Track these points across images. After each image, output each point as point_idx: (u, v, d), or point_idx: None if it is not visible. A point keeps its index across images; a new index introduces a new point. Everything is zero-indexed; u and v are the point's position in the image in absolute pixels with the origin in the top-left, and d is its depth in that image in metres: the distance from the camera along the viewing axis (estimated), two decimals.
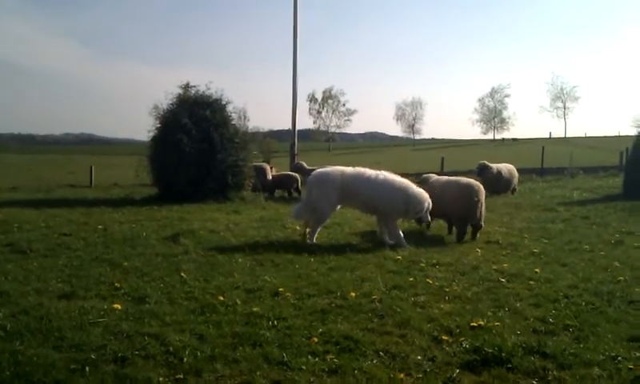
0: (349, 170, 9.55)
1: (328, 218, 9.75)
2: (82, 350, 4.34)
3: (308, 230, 9.52)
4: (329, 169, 9.86)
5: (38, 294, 5.94)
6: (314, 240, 9.28)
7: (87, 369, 3.99)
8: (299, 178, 19.72)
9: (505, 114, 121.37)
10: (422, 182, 10.69)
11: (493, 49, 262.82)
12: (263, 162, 24.84)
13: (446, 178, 11.17)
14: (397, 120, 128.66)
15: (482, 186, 9.93)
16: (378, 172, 9.46)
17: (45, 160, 60.37)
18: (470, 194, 9.56)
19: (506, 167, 18.53)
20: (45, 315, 5.13)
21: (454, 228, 9.95)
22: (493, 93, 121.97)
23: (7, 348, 4.37)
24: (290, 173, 20.87)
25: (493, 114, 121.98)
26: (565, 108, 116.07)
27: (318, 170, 10.24)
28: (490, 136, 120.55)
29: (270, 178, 20.28)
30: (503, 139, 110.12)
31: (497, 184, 17.62)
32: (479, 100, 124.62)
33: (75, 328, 4.82)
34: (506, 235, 9.82)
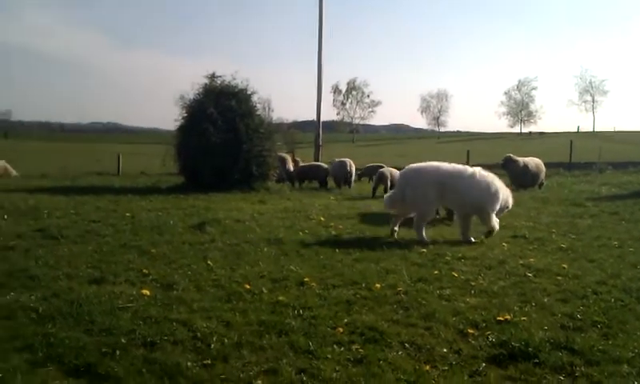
0: (445, 165, 9.24)
1: (430, 216, 9.34)
2: (112, 334, 4.44)
3: (396, 225, 9.25)
4: (422, 165, 9.42)
5: (68, 278, 6.07)
6: (424, 236, 8.78)
7: (117, 352, 4.08)
8: (329, 170, 19.82)
9: (532, 107, 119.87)
10: None
11: (520, 41, 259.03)
12: (287, 152, 25.00)
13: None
14: (422, 112, 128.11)
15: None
16: (472, 168, 9.24)
17: (72, 148, 61.42)
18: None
19: (533, 161, 18.29)
20: (75, 299, 5.24)
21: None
22: (520, 85, 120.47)
23: (40, 330, 4.48)
24: (319, 164, 20.96)
25: (520, 107, 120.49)
26: (593, 102, 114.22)
27: (411, 165, 9.63)
28: (516, 129, 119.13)
29: (291, 168, 20.43)
30: (530, 133, 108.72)
31: (523, 178, 17.41)
32: (506, 93, 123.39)
33: (105, 312, 4.92)
34: (532, 230, 9.71)
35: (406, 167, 9.69)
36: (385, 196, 9.63)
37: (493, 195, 8.96)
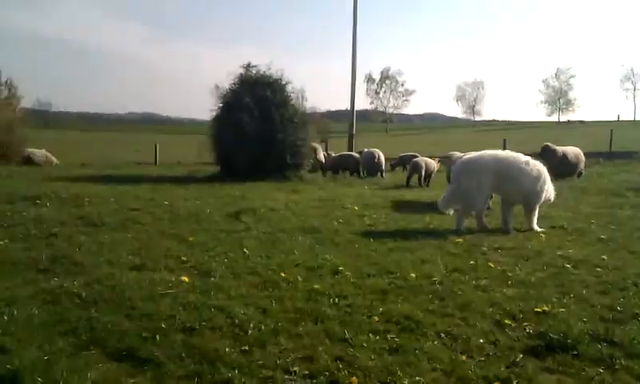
0: (502, 154, 9.14)
1: (483, 208, 9.21)
2: (153, 319, 4.55)
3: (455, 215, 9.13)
4: (479, 154, 9.27)
5: (110, 265, 6.24)
6: (463, 226, 8.79)
7: (158, 337, 4.18)
8: (359, 160, 19.86)
9: (570, 95, 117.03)
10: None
11: (558, 27, 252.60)
12: (320, 142, 25.07)
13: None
14: (457, 101, 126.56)
15: None
16: (528, 157, 9.08)
17: (111, 138, 62.72)
18: None
19: (572, 150, 17.89)
20: (117, 285, 5.39)
21: None
22: (558, 73, 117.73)
23: (83, 315, 4.63)
24: (349, 153, 21.03)
25: (558, 95, 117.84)
26: (635, 90, 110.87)
27: (467, 155, 9.55)
28: (554, 118, 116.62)
29: (322, 157, 20.53)
30: (569, 121, 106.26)
31: (562, 167, 17.05)
32: (544, 81, 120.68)
33: (145, 298, 5.05)
34: (571, 220, 9.52)
35: (462, 158, 9.52)
36: (441, 198, 9.24)
37: (543, 185, 8.86)
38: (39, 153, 22.62)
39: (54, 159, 23.17)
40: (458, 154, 12.88)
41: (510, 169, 8.78)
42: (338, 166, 20.36)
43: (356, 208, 10.92)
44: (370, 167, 20.06)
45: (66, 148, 32.73)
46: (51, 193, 11.49)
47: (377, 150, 20.61)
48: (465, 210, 8.95)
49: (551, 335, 4.23)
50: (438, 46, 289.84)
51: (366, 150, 21.67)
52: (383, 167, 20.43)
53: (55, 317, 4.59)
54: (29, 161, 21.52)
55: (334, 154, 22.05)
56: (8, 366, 3.61)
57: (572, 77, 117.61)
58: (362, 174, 20.00)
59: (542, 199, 8.92)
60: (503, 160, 8.92)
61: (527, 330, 4.46)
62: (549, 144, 17.68)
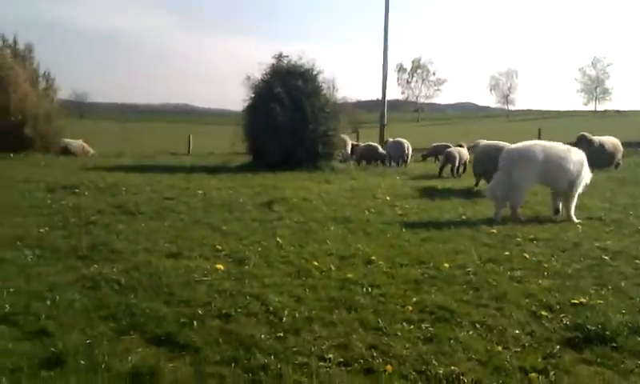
0: (549, 144, 9.10)
1: (523, 200, 9.23)
2: (190, 306, 4.65)
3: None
4: (526, 144, 9.21)
5: (147, 252, 6.38)
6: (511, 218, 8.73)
7: (195, 323, 4.27)
8: (379, 150, 20.08)
9: (607, 84, 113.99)
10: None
11: (595, 14, 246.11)
12: (352, 132, 25.05)
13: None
14: (491, 90, 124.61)
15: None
16: (566, 144, 9.17)
17: (145, 128, 63.66)
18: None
19: (610, 140, 17.45)
20: (154, 272, 5.51)
21: None
22: (595, 62, 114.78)
23: (123, 300, 4.75)
24: (371, 144, 21.11)
25: (595, 84, 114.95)
26: None
27: (517, 145, 9.38)
28: (590, 107, 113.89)
29: (348, 149, 20.64)
30: (605, 111, 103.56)
31: (599, 157, 16.64)
32: (580, 69, 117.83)
33: (183, 285, 5.15)
34: (609, 211, 9.32)
35: (508, 148, 9.37)
36: (487, 187, 9.17)
37: (585, 172, 8.92)
38: (76, 143, 23.09)
39: (91, 149, 23.63)
40: (483, 141, 13.40)
41: (557, 157, 8.79)
42: (361, 157, 20.45)
43: (388, 198, 10.89)
44: (397, 156, 20.22)
45: (101, 138, 33.37)
46: (89, 182, 11.76)
47: (405, 140, 20.84)
48: (514, 201, 8.82)
49: (589, 327, 4.17)
50: (470, 34, 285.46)
51: (391, 139, 21.92)
52: (409, 157, 20.60)
53: (95, 302, 4.72)
54: (66, 151, 21.99)
55: (362, 145, 22.12)
56: (52, 349, 3.74)
57: (609, 65, 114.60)
58: (388, 163, 20.03)
59: (583, 185, 8.94)
60: (550, 149, 8.89)
61: (564, 322, 4.41)
62: (585, 133, 17.28)
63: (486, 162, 11.95)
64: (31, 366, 3.54)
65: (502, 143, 11.65)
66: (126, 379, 3.41)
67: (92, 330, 4.12)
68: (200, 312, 4.48)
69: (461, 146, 18.15)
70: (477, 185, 12.80)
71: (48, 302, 4.64)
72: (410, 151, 20.68)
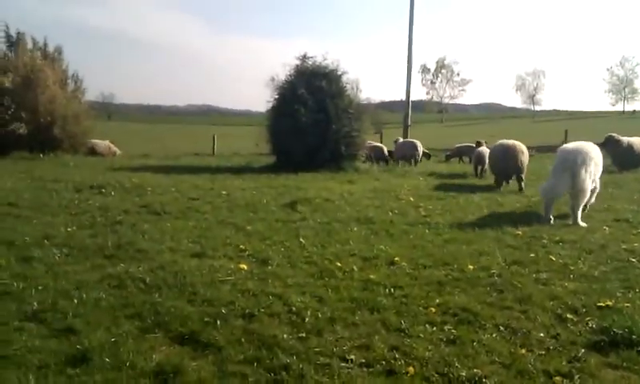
0: (590, 144, 9.10)
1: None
2: (213, 305, 4.69)
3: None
4: (581, 143, 9.10)
5: (172, 252, 6.45)
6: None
7: (218, 322, 4.31)
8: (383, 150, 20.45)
9: (636, 83, 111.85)
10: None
11: (623, 13, 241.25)
12: (375, 133, 25.08)
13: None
14: (516, 90, 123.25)
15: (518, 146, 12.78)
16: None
17: (170, 129, 64.43)
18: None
19: (639, 141, 17.11)
20: (179, 271, 5.57)
21: None
22: (623, 61, 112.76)
23: (148, 299, 4.81)
24: (375, 143, 21.38)
25: (623, 84, 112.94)
26: None
27: (575, 145, 9.14)
28: (619, 107, 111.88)
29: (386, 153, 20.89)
30: (634, 111, 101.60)
31: (627, 158, 16.34)
32: (608, 69, 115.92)
33: (206, 284, 5.20)
34: (636, 213, 9.14)
35: (567, 147, 9.14)
36: (546, 185, 8.86)
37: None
38: (102, 143, 23.45)
39: (117, 150, 23.98)
40: (506, 141, 13.61)
41: (600, 157, 8.98)
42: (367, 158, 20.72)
43: (411, 199, 10.84)
44: (408, 156, 20.63)
45: (127, 139, 33.85)
46: (115, 182, 11.93)
47: (415, 140, 21.57)
48: (581, 201, 8.63)
49: (615, 330, 4.10)
50: (496, 34, 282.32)
51: (400, 139, 22.91)
52: (419, 157, 20.97)
53: (121, 301, 4.79)
54: (93, 151, 22.35)
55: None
56: (78, 347, 3.82)
57: (638, 64, 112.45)
58: (396, 163, 20.43)
59: None
60: (595, 149, 8.98)
61: (590, 325, 4.34)
62: (613, 134, 16.94)
63: (500, 161, 13.00)
64: (57, 363, 3.61)
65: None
66: (149, 377, 3.46)
67: (117, 328, 4.19)
68: (223, 311, 4.52)
69: (480, 144, 18.21)
70: (499, 185, 13.12)
71: (75, 300, 4.73)
72: (421, 151, 21.00)
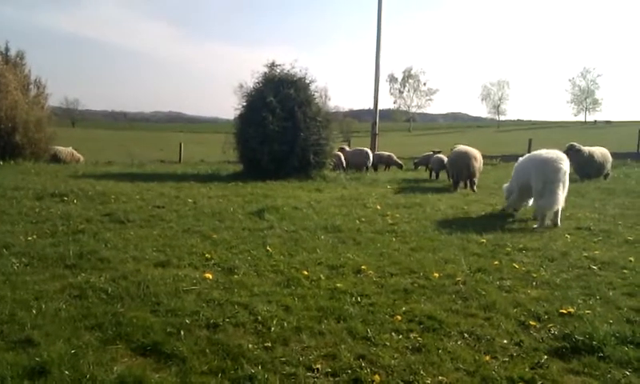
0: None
1: None
2: (177, 315, 4.61)
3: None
4: (555, 151, 9.61)
5: (135, 261, 6.33)
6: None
7: (182, 333, 4.24)
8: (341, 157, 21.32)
9: (597, 94, 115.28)
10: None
11: (585, 26, 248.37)
12: (343, 141, 25.28)
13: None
14: (482, 100, 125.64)
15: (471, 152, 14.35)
16: None
17: (136, 136, 63.49)
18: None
19: (600, 151, 17.51)
20: (142, 281, 5.46)
21: None
22: (585, 73, 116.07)
23: (110, 310, 4.70)
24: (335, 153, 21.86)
25: (584, 95, 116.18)
26: None
27: (559, 153, 9.55)
28: (581, 118, 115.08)
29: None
30: (595, 121, 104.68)
31: (588, 168, 16.74)
32: (570, 80, 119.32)
33: (170, 294, 5.11)
34: (597, 221, 9.37)
35: (557, 157, 9.32)
36: (544, 202, 9.00)
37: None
38: (65, 150, 22.93)
39: (80, 157, 23.49)
40: (461, 147, 15.33)
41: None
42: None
43: (378, 207, 10.89)
44: (359, 164, 21.52)
45: (92, 146, 33.24)
46: (78, 190, 11.67)
47: (366, 149, 22.68)
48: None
49: (576, 337, 4.19)
50: (462, 45, 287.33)
51: (347, 148, 24.11)
52: (369, 164, 21.84)
53: (82, 311, 4.67)
54: (55, 158, 21.86)
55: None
56: (37, 359, 3.70)
57: (599, 76, 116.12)
58: (342, 170, 20.79)
59: None
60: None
61: (552, 332, 4.42)
62: (574, 144, 17.33)
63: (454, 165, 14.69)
64: (15, 377, 3.49)
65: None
66: None
67: (77, 340, 4.07)
68: (187, 321, 4.45)
69: (435, 152, 20.11)
70: (455, 186, 14.62)
71: (34, 311, 4.59)
72: (371, 159, 21.93)
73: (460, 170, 14.41)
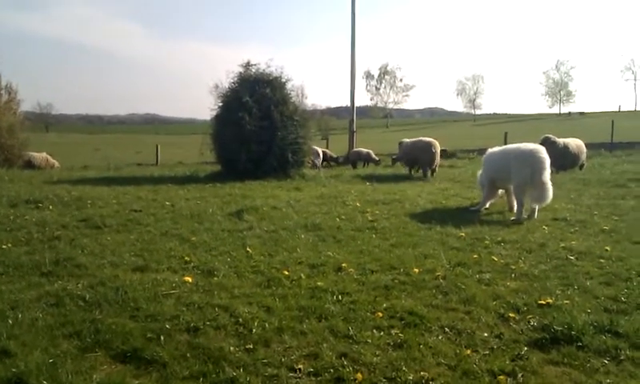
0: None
1: None
2: (157, 320, 4.55)
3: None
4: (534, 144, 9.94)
5: (113, 266, 6.24)
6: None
7: (162, 338, 4.19)
8: (317, 153, 22.59)
9: (571, 86, 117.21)
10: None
11: (558, 19, 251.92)
12: (322, 139, 25.38)
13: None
14: (457, 95, 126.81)
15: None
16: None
17: (112, 140, 62.76)
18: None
19: (574, 142, 17.80)
20: (120, 287, 5.37)
21: None
22: (558, 65, 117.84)
23: (87, 317, 4.62)
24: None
25: (558, 87, 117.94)
26: (635, 80, 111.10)
27: (538, 146, 9.75)
28: (555, 110, 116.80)
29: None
30: (570, 113, 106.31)
31: (563, 159, 16.99)
32: (544, 73, 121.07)
33: (149, 299, 5.04)
34: (573, 212, 9.52)
35: (535, 148, 9.50)
36: (538, 195, 9.16)
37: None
38: (39, 156, 22.58)
39: (55, 162, 23.16)
40: (406, 140, 18.32)
41: None
42: None
43: (358, 204, 10.91)
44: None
45: (67, 150, 32.78)
46: (53, 196, 11.47)
47: (318, 147, 23.88)
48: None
49: (555, 327, 4.23)
50: (437, 40, 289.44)
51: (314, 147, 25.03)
52: (319, 163, 22.91)
53: (59, 319, 4.59)
54: (29, 164, 21.51)
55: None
56: (13, 370, 3.62)
57: (572, 68, 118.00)
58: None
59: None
60: None
61: (531, 323, 4.46)
62: (549, 135, 17.58)
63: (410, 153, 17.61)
64: None
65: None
66: None
67: (55, 349, 4.00)
68: (167, 326, 4.40)
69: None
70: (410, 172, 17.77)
71: (10, 321, 4.49)
72: (321, 157, 23.26)
73: (416, 158, 17.23)
